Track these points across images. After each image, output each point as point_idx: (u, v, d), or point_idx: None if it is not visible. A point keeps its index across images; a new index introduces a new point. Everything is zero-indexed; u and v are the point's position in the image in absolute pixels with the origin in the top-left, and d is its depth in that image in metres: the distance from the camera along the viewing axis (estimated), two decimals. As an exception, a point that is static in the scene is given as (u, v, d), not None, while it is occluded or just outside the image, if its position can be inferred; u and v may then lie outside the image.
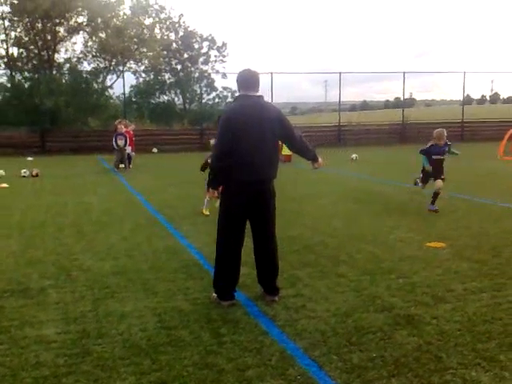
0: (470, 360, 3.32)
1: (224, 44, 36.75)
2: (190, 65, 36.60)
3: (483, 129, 26.47)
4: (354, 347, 3.53)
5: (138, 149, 21.34)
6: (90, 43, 28.37)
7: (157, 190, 11.27)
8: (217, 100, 37.39)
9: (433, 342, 3.60)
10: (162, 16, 30.74)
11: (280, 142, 4.53)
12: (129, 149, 15.56)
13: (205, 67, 37.35)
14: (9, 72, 25.99)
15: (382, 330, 3.79)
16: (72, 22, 27.50)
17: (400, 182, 11.76)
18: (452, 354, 3.40)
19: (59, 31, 27.62)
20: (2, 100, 25.22)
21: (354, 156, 17.05)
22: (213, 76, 36.05)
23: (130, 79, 36.36)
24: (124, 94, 26.56)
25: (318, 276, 5.06)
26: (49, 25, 26.75)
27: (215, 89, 37.03)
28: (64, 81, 26.74)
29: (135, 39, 28.85)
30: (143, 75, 34.33)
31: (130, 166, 15.66)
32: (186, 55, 36.42)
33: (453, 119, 27.50)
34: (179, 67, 36.04)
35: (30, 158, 19.36)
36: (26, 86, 25.53)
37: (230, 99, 38.15)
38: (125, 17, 28.32)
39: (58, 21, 26.58)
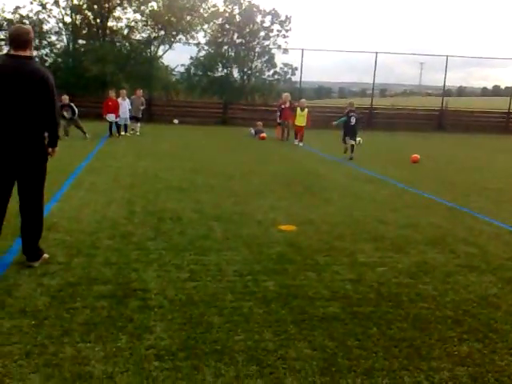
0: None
1: (288, 18, 35.77)
2: (250, 39, 36.27)
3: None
4: None
5: (161, 119, 22.07)
6: (139, 12, 28.95)
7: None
8: (276, 77, 37.14)
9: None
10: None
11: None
12: (112, 117, 15.76)
13: (266, 42, 36.93)
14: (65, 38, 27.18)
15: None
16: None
17: (366, 169, 11.32)
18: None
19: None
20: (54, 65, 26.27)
21: (358, 140, 16.33)
22: (273, 51, 35.63)
23: (192, 51, 36.36)
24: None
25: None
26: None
27: (275, 65, 36.61)
28: (115, 48, 27.61)
29: (187, 11, 29.11)
30: (205, 47, 34.84)
31: (123, 134, 16.32)
32: (247, 29, 36.10)
33: (497, 109, 25.81)
34: (240, 41, 35.80)
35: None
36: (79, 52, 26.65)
37: (289, 76, 37.79)
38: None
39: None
